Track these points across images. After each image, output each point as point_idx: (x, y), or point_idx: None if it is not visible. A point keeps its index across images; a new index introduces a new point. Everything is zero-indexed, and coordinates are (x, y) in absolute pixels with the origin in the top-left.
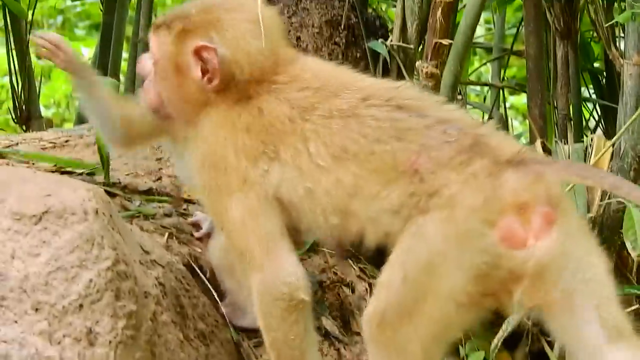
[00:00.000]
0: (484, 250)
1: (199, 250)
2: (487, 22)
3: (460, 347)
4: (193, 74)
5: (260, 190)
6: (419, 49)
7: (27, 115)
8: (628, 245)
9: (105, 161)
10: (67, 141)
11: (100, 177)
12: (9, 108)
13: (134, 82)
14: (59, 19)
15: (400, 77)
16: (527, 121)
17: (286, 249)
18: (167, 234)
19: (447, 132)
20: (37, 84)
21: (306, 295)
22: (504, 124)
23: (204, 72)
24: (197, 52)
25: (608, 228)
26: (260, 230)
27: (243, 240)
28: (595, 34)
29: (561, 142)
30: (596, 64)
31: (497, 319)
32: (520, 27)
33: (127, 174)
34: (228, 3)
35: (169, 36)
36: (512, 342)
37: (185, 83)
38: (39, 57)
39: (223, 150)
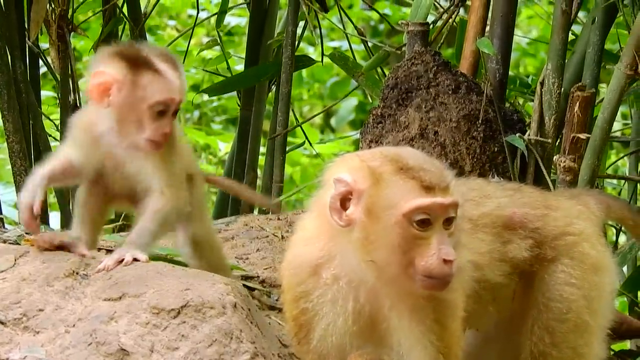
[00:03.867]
0: (611, 269)
1: None
2: (624, 116)
3: None
4: None
5: None
6: (557, 143)
7: None
8: None
9: None
10: None
11: (238, 272)
12: None
13: (271, 178)
14: (196, 113)
15: (537, 171)
16: None
17: None
18: None
19: (502, 184)
20: None
21: None
22: None
23: None
24: None
25: None
26: None
27: None
28: None
29: None
30: None
31: None
32: None
33: (265, 268)
34: None
35: None
36: None
37: None
38: None
39: None
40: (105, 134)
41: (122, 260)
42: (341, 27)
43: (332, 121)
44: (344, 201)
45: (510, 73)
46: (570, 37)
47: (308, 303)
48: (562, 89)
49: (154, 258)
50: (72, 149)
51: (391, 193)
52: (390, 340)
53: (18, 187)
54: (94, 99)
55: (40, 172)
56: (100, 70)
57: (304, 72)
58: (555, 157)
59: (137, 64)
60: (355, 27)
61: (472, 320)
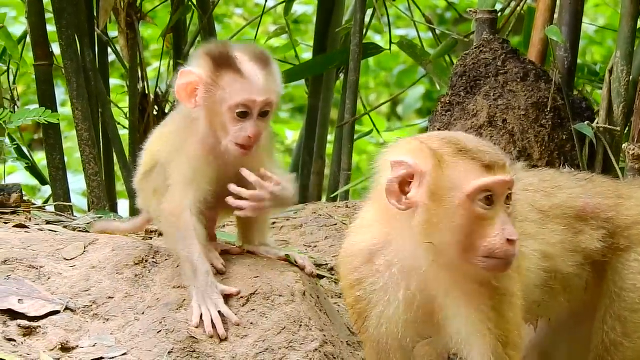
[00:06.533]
0: None
1: None
2: None
3: None
4: None
5: None
6: (626, 131)
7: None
8: None
9: None
10: (273, 223)
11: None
12: None
13: (339, 166)
14: None
15: (606, 159)
16: None
17: None
18: None
19: (573, 174)
20: None
21: None
22: None
23: None
24: None
25: None
26: None
27: None
28: None
29: None
30: None
31: None
32: None
33: (334, 256)
34: None
35: None
36: None
37: None
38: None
39: None
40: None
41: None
42: (409, 14)
43: (399, 109)
44: (403, 184)
45: (579, 61)
46: (639, 25)
47: (361, 291)
48: (631, 76)
49: None
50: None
51: (453, 174)
52: (446, 329)
53: (87, 175)
54: (181, 99)
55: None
56: (188, 70)
57: (371, 60)
58: (624, 145)
59: (221, 63)
60: (424, 15)
61: (544, 310)
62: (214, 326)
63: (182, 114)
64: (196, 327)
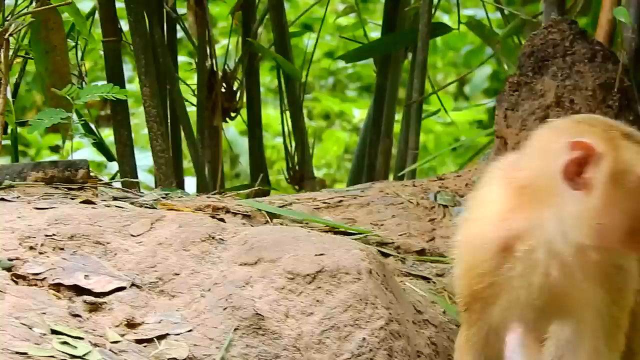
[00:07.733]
0: None
1: None
2: None
3: None
4: None
5: None
6: None
7: (300, 175)
8: None
9: None
10: (340, 201)
11: (374, 238)
12: (282, 169)
13: (406, 145)
14: (330, 80)
15: None
16: None
17: None
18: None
19: None
20: (309, 145)
21: None
22: None
23: None
24: None
25: None
26: None
27: None
28: None
29: None
30: None
31: None
32: None
33: (401, 234)
34: None
35: None
36: None
37: None
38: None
39: None
40: None
41: None
42: None
43: (466, 89)
44: (579, 165)
45: None
46: None
47: (495, 277)
48: None
49: None
50: None
51: (626, 156)
52: (573, 311)
53: (154, 152)
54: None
55: None
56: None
57: (438, 40)
58: None
59: None
60: None
61: None
62: None
63: None
64: None
